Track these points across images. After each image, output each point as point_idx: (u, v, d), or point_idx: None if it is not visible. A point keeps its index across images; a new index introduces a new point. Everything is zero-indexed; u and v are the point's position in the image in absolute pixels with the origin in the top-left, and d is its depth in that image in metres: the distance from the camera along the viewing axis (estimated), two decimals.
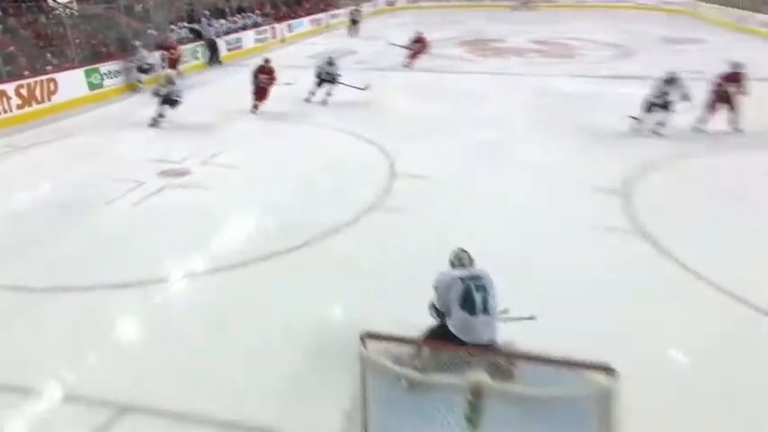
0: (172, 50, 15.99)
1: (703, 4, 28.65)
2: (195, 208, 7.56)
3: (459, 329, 3.84)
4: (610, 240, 6.48)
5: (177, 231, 6.86)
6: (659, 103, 9.95)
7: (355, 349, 3.14)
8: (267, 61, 12.06)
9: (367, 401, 3.36)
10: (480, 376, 2.74)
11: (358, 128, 10.87)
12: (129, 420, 3.94)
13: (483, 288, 3.86)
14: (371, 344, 3.17)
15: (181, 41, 17.24)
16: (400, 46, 17.48)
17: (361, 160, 9.34)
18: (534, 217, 7.07)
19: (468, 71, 16.99)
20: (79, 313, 5.25)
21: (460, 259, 4.06)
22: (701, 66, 16.29)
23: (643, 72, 15.88)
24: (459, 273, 3.96)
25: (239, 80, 14.08)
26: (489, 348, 3.75)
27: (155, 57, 15.20)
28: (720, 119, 10.22)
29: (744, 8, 23.88)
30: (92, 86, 13.50)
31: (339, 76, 12.82)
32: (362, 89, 12.69)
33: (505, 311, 4.15)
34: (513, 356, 3.62)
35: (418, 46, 17.09)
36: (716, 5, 26.94)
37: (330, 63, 12.80)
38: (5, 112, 11.40)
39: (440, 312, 4.02)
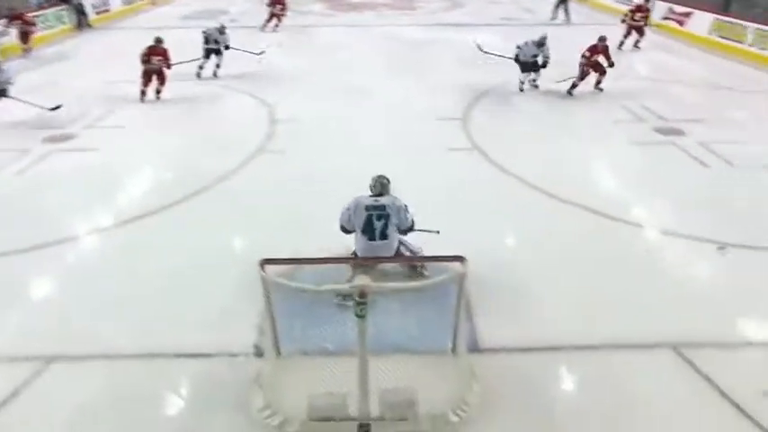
0: (24, 22, 12.12)
1: None
2: (87, 169, 6.67)
3: (360, 250, 3.94)
4: (455, 157, 6.82)
5: (75, 192, 6.07)
6: (531, 62, 9.08)
7: (257, 274, 3.08)
8: (159, 41, 9.00)
9: (273, 315, 3.36)
10: (363, 280, 2.81)
11: (238, 83, 10.11)
12: (56, 368, 3.61)
13: (385, 216, 3.85)
14: (270, 268, 3.13)
15: (42, 6, 14.05)
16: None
17: (244, 112, 8.77)
18: (392, 145, 7.13)
19: (329, 24, 16.33)
20: None
21: (373, 186, 3.96)
22: (511, 14, 17.10)
23: (471, 20, 16.34)
24: (366, 202, 3.90)
25: (113, 44, 12.37)
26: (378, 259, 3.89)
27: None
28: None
29: None
30: None
31: (228, 45, 10.48)
32: (259, 54, 10.98)
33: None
34: (393, 260, 3.76)
35: (279, 8, 15.03)
36: None
37: (221, 31, 10.32)
38: None
39: (346, 230, 4.03)
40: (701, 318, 4.07)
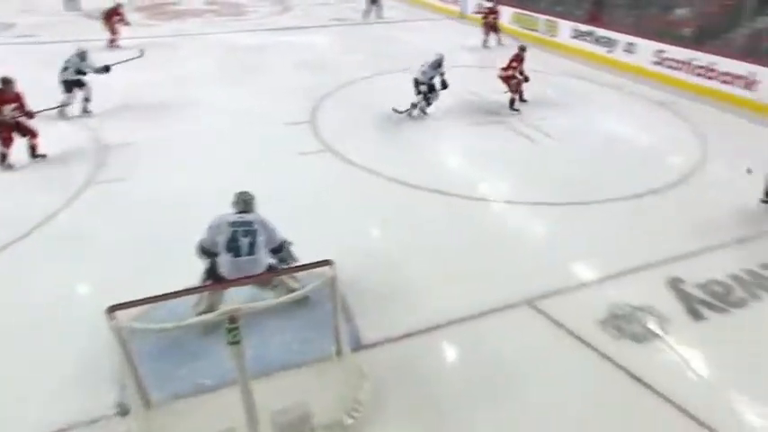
0: None
1: None
2: None
3: (225, 270, 3.57)
4: (308, 160, 6.71)
5: None
6: (429, 85, 8.05)
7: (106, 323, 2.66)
8: (7, 82, 6.37)
9: (134, 364, 2.94)
10: (230, 306, 2.60)
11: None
12: None
13: (252, 233, 3.57)
14: (121, 313, 2.72)
15: None
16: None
17: (67, 142, 7.35)
18: (242, 155, 6.78)
19: (154, 35, 14.79)
20: None
21: (236, 203, 3.66)
22: (342, 14, 17.41)
23: (302, 23, 16.26)
24: (231, 218, 3.60)
25: None
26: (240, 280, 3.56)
27: None
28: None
29: None
30: None
31: (106, 67, 8.28)
32: (139, 56, 9.22)
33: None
34: (254, 279, 3.55)
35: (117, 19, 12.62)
36: None
37: (82, 57, 8.09)
38: None
39: (207, 251, 3.63)
40: (545, 271, 4.55)
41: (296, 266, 3.57)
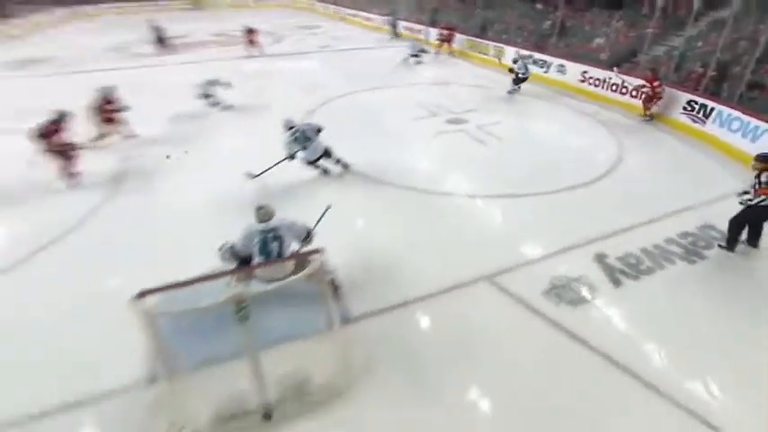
0: None
1: (317, 3, 28.66)
2: None
3: (261, 270, 3.48)
4: None
5: None
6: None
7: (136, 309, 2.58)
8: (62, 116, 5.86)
9: (159, 342, 2.86)
10: (237, 290, 2.55)
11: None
12: None
13: (279, 238, 3.54)
14: (150, 298, 2.64)
15: None
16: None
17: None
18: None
19: (162, 64, 14.30)
20: None
21: (259, 215, 3.58)
22: (326, 42, 17.11)
23: (295, 50, 15.95)
24: (259, 227, 3.54)
25: None
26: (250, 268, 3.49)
27: None
28: None
29: (343, 5, 24.54)
30: None
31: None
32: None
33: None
34: (257, 267, 3.47)
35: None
36: (325, 3, 27.18)
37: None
38: None
39: (240, 256, 3.55)
40: (501, 251, 4.61)
41: (290, 255, 3.51)
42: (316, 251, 3.01)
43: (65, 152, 6.06)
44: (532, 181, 6.11)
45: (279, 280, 3.08)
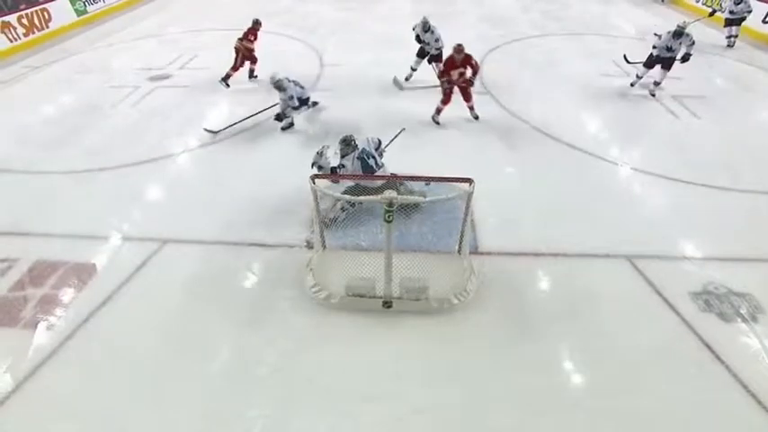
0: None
1: None
2: (180, 102, 6.75)
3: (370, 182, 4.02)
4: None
5: (172, 120, 6.21)
6: None
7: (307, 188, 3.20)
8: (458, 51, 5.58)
9: (320, 218, 3.50)
10: (390, 194, 2.88)
11: (289, 30, 9.62)
12: (169, 248, 3.95)
13: (371, 154, 4.12)
14: (319, 182, 3.25)
15: None
16: None
17: (296, 55, 8.43)
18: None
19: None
20: (115, 185, 4.86)
21: (346, 146, 4.11)
22: None
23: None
24: (355, 154, 4.09)
25: None
26: (394, 179, 3.94)
27: None
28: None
29: None
30: (78, 13, 10.80)
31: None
32: None
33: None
34: (417, 178, 3.72)
35: None
36: None
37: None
38: (15, 40, 9.18)
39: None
40: (655, 236, 4.10)
41: (444, 177, 3.61)
42: (468, 180, 3.14)
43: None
44: (720, 172, 5.03)
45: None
